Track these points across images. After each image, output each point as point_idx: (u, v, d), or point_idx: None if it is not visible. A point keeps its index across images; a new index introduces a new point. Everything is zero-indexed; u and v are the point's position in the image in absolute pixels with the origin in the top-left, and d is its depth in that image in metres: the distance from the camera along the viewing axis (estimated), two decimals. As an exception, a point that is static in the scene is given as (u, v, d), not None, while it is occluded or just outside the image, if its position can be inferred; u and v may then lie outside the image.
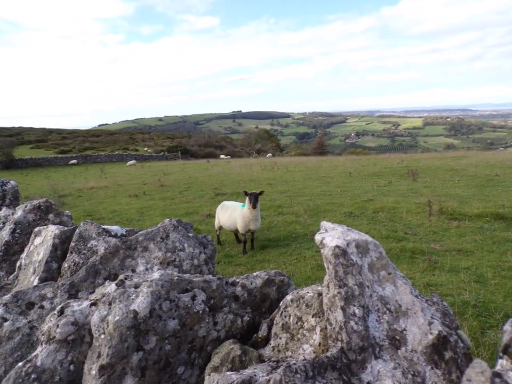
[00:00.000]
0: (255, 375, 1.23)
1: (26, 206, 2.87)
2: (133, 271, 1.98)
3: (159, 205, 11.00)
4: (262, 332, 1.60)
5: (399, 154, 30.52)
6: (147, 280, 1.52)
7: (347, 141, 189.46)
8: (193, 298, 1.55)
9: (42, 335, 1.45)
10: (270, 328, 1.59)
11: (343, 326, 1.26)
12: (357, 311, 1.29)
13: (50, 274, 2.16)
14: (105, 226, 2.35)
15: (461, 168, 14.95)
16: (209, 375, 1.43)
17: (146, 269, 1.98)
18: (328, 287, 1.36)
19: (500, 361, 1.05)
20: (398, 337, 1.30)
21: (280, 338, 1.50)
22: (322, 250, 1.40)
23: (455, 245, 5.64)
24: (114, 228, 2.38)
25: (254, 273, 1.85)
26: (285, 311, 1.54)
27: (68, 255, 2.18)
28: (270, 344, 1.53)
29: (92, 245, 2.16)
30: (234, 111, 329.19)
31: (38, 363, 1.39)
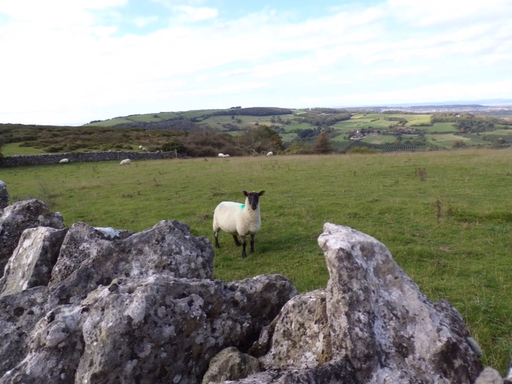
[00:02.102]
0: (255, 385, 1.18)
1: (15, 207, 2.84)
2: (127, 275, 1.94)
3: (155, 205, 10.88)
4: (263, 338, 1.56)
5: (406, 153, 30.08)
6: (142, 285, 1.48)
7: (351, 138, 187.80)
8: (190, 303, 1.51)
9: (32, 342, 1.42)
10: (270, 335, 1.56)
11: (348, 333, 1.23)
12: (362, 317, 1.25)
13: (40, 278, 2.12)
14: (97, 228, 2.33)
15: (471, 167, 14.68)
16: (206, 384, 1.39)
17: (141, 273, 1.94)
18: (331, 291, 1.33)
19: None
20: (405, 345, 1.26)
21: (282, 345, 1.46)
22: (325, 253, 1.37)
23: (465, 247, 5.52)
24: (107, 230, 2.36)
25: (254, 277, 1.82)
26: (286, 317, 1.50)
27: (58, 258, 2.15)
28: (271, 351, 1.50)
29: (83, 247, 2.12)
30: (233, 107, 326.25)
31: (27, 371, 1.36)
